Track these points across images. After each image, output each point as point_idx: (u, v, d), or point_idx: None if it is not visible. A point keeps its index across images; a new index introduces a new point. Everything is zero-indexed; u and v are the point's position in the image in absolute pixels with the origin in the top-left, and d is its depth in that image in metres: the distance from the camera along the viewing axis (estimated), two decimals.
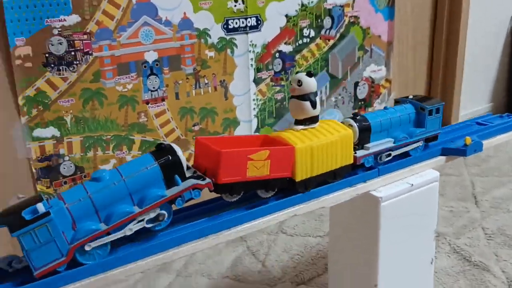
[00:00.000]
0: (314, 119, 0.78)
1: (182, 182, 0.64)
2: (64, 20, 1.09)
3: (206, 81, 1.34)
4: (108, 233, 0.61)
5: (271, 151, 0.69)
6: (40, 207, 0.57)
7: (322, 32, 1.53)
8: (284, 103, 1.50)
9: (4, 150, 1.09)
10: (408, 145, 0.87)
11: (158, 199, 0.63)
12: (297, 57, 1.50)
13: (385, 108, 0.88)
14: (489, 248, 1.23)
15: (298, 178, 0.73)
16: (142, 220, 0.63)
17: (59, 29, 1.09)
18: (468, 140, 0.93)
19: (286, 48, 1.46)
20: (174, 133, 1.33)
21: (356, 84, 1.67)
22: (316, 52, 1.54)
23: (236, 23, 1.34)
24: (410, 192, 0.87)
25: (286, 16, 1.43)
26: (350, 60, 1.63)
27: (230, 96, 1.39)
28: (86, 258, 0.61)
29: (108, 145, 1.22)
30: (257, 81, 1.43)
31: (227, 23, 1.32)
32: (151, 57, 1.23)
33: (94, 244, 0.60)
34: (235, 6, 1.32)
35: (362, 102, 1.70)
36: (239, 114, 1.42)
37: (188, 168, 0.67)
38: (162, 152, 0.65)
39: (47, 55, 1.09)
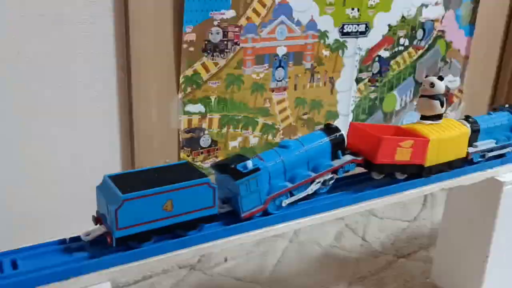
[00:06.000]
0: (440, 116, 0.92)
1: (343, 157, 0.81)
2: (223, 13, 1.28)
3: (319, 77, 1.52)
4: (290, 191, 0.76)
5: (415, 141, 0.85)
6: (249, 164, 0.71)
7: (414, 42, 1.71)
8: (376, 102, 1.69)
9: (162, 119, 1.28)
10: (506, 147, 1.03)
11: (328, 168, 0.79)
12: (392, 62, 1.68)
13: (488, 113, 1.05)
14: None
15: (427, 164, 0.89)
16: (319, 182, 0.78)
17: (218, 21, 1.27)
18: None
19: (384, 54, 1.64)
20: (288, 120, 1.51)
21: None
22: (407, 59, 1.72)
23: (350, 28, 1.52)
24: None
25: (389, 25, 1.62)
26: (433, 69, 1.81)
27: (335, 92, 1.58)
28: (273, 209, 0.76)
29: (238, 124, 1.41)
30: (358, 81, 1.61)
31: (343, 27, 1.51)
32: (281, 51, 1.41)
33: (288, 201, 0.76)
34: (351, 13, 1.51)
35: None
36: (340, 108, 1.61)
37: None
38: (331, 130, 0.81)
39: (206, 42, 1.27)
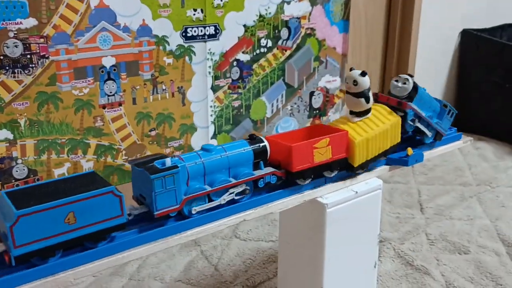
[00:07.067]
0: (368, 111, 0.91)
1: (264, 168, 0.81)
2: (21, 23, 1.09)
3: (164, 87, 1.36)
4: (208, 195, 0.75)
5: (331, 138, 0.84)
6: (168, 162, 0.71)
7: (279, 42, 1.57)
8: (241, 110, 1.54)
9: None
10: (429, 126, 1.01)
11: (248, 176, 0.78)
12: (254, 66, 1.54)
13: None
14: (431, 253, 1.30)
15: (356, 163, 0.88)
16: (233, 192, 0.77)
17: (15, 32, 1.09)
18: (410, 151, 0.99)
19: (243, 57, 1.50)
20: (131, 138, 1.34)
21: (312, 94, 1.72)
22: (273, 61, 1.58)
23: (195, 31, 1.37)
24: (354, 199, 0.93)
25: (244, 26, 1.47)
26: (306, 70, 1.68)
27: (188, 103, 1.42)
28: (188, 212, 0.74)
29: (62, 149, 1.22)
30: (214, 89, 1.46)
31: (185, 31, 1.35)
32: (108, 62, 1.24)
33: (199, 208, 0.74)
34: (194, 14, 1.35)
35: (317, 111, 1.76)
36: (196, 120, 1.45)
37: None
38: (255, 141, 0.81)
39: (1, 57, 1.08)
